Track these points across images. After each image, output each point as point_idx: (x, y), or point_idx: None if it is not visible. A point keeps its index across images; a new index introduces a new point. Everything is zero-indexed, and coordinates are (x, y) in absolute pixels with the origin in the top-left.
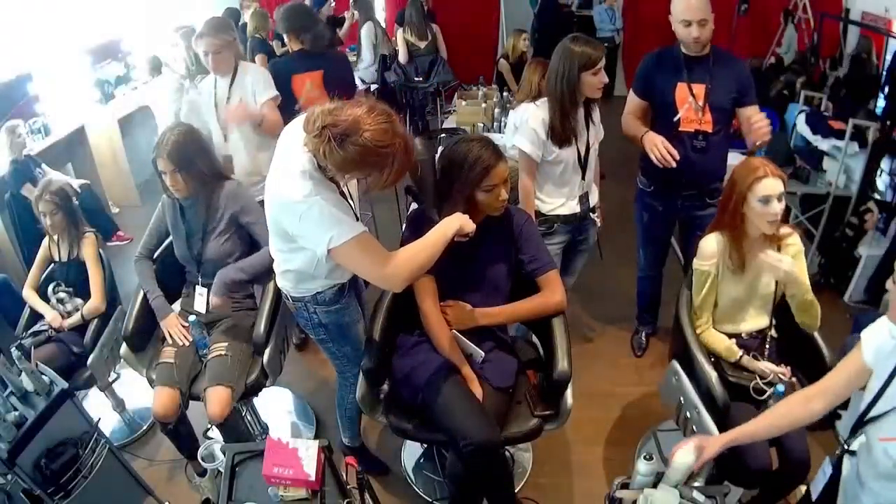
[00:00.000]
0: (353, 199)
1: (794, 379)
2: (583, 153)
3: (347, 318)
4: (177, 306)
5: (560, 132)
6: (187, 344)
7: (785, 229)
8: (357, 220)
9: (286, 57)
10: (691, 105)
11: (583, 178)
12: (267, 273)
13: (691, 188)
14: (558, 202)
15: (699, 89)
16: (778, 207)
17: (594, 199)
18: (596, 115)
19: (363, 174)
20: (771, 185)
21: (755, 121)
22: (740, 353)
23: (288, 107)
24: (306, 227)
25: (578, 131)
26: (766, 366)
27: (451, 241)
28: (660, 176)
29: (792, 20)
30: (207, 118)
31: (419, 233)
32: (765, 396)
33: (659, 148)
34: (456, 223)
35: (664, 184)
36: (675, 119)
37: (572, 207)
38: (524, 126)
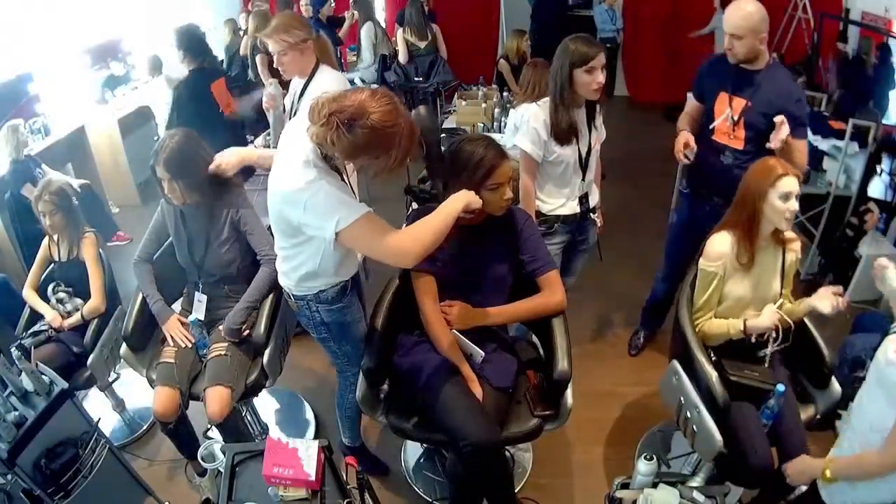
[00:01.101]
0: (354, 192)
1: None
2: (584, 154)
3: (349, 317)
4: (177, 306)
5: (558, 130)
6: (189, 346)
7: (791, 234)
8: None
9: (195, 73)
10: (727, 117)
11: (583, 178)
12: (270, 290)
13: (719, 197)
14: (558, 202)
15: (738, 103)
16: (795, 205)
17: (594, 199)
18: (599, 118)
19: (371, 158)
20: (791, 182)
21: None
22: (742, 322)
23: (212, 113)
24: (312, 213)
25: (580, 132)
26: (767, 317)
27: (457, 219)
28: (691, 178)
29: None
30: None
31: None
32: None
33: (679, 146)
34: (463, 199)
35: (694, 187)
36: (711, 127)
37: (572, 208)
38: (525, 125)
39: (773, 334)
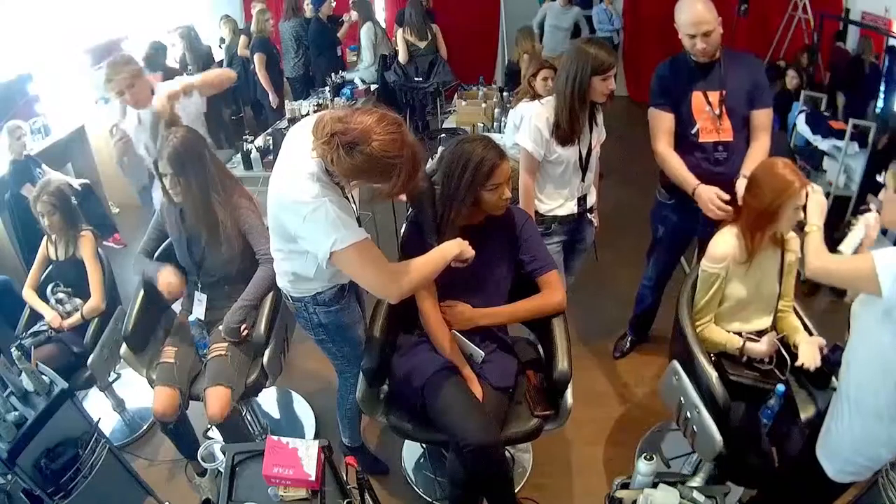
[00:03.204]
0: (355, 203)
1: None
2: (584, 155)
3: (347, 319)
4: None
5: (566, 131)
6: (183, 296)
7: (791, 233)
8: (360, 224)
9: None
10: (708, 114)
11: (583, 179)
12: (268, 290)
13: None
14: (556, 203)
15: (714, 96)
16: (801, 215)
17: (592, 199)
18: (599, 117)
19: (370, 182)
20: (804, 196)
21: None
22: (741, 341)
23: None
24: (310, 228)
25: (582, 133)
26: (765, 344)
27: (448, 265)
28: (679, 188)
29: None
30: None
31: (420, 233)
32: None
33: (714, 202)
34: (455, 248)
35: (683, 196)
36: (693, 131)
37: (570, 208)
38: (527, 124)
39: (767, 358)
